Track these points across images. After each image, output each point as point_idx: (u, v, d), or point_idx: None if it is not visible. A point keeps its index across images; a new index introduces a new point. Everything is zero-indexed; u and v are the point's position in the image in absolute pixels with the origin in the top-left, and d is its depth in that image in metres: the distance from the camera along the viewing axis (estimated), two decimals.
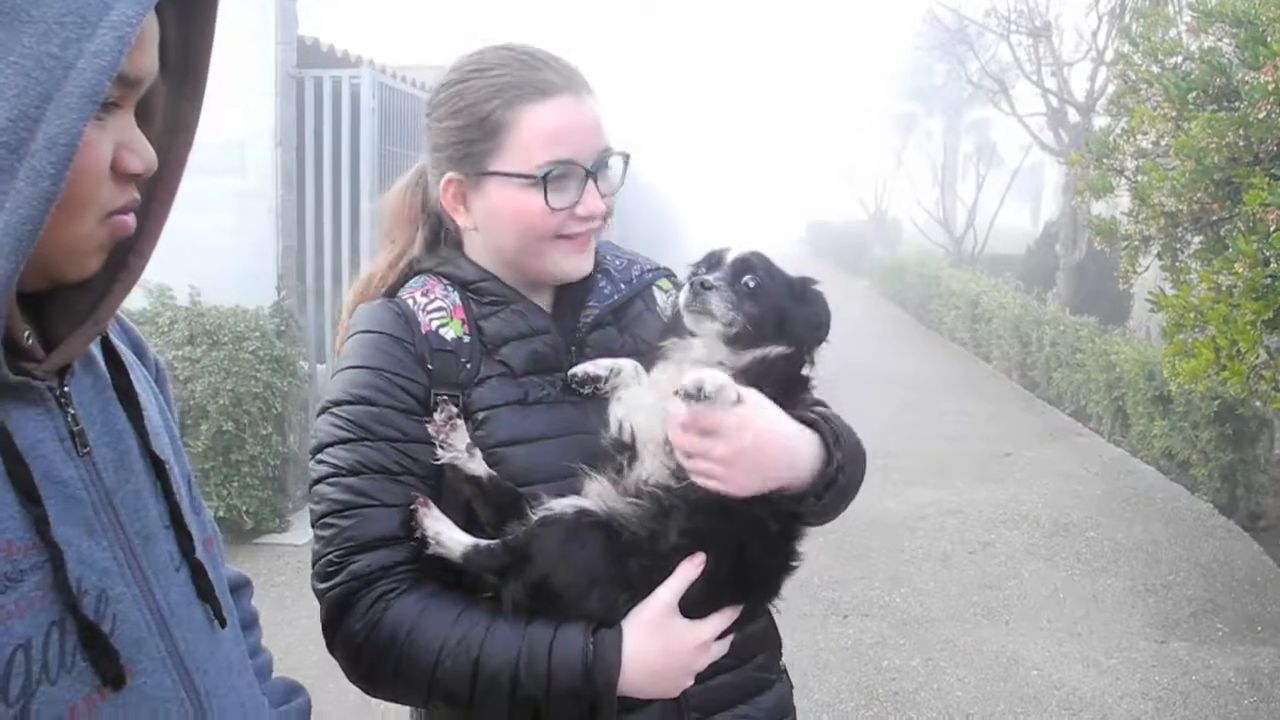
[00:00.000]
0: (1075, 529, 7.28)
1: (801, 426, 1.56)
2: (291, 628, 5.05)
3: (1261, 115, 3.61)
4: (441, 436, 1.56)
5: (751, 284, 1.62)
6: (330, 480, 1.55)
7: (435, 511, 1.55)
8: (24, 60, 0.85)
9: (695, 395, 1.43)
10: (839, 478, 1.55)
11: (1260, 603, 5.97)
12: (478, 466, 1.56)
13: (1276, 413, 7.27)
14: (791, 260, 1.79)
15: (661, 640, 1.49)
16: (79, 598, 0.97)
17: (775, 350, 1.61)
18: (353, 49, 8.04)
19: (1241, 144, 4.01)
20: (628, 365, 1.66)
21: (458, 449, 1.55)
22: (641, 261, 1.87)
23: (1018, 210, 27.85)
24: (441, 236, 1.76)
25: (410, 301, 1.67)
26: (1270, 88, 3.57)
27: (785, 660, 1.85)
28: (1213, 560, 6.63)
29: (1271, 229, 3.85)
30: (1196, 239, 4.60)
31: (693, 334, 1.63)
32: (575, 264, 1.68)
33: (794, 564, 1.63)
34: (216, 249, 7.19)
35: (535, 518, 1.51)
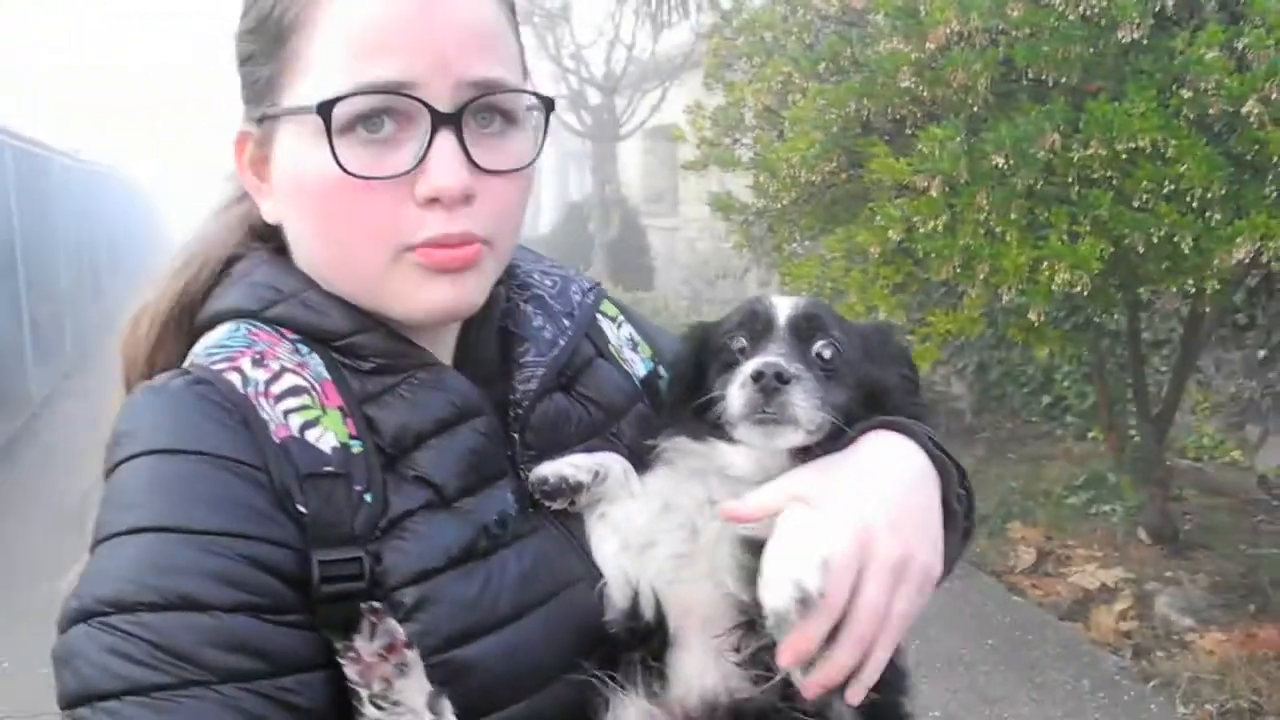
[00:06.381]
0: None
1: (876, 439, 1.01)
2: None
3: (906, 84, 3.66)
4: (376, 686, 0.81)
5: (827, 355, 1.05)
6: None
7: None
8: None
9: (786, 616, 0.87)
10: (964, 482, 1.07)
11: None
12: None
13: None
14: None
15: None
16: None
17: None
18: None
19: (864, 114, 4.10)
20: (615, 465, 1.04)
21: (412, 706, 0.82)
22: (569, 274, 1.21)
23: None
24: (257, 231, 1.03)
25: (236, 378, 0.91)
26: (913, 58, 3.64)
27: None
28: None
29: (894, 196, 3.99)
30: (820, 209, 4.70)
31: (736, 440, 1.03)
32: (438, 295, 0.96)
33: None
34: None
35: None
